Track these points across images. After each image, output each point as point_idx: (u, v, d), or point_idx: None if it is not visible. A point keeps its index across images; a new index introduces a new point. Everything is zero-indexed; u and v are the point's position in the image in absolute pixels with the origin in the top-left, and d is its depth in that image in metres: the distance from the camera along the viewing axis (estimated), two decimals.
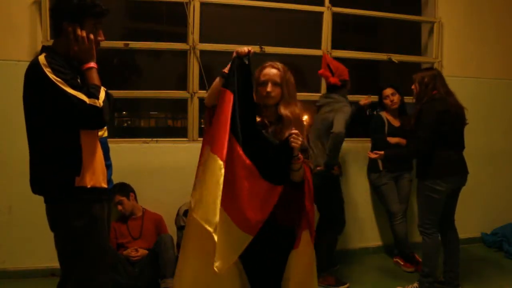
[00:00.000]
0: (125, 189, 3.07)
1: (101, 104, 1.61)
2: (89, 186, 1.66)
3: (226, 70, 1.93)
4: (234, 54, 1.92)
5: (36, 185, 1.69)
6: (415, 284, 2.89)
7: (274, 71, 1.97)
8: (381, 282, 3.20)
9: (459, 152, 2.84)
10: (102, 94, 1.64)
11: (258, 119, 1.97)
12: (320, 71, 3.27)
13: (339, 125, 2.89)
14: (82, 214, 1.66)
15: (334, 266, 3.37)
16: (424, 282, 2.81)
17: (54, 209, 1.68)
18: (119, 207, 3.05)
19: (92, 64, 1.70)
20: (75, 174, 1.63)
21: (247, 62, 1.90)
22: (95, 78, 1.69)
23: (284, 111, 1.94)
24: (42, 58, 1.59)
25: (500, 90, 4.12)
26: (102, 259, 1.74)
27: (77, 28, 1.65)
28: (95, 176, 1.69)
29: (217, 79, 1.97)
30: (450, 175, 2.76)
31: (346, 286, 3.06)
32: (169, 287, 2.82)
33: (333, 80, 3.13)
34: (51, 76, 1.55)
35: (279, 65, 2.01)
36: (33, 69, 1.60)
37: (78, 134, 1.64)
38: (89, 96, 1.59)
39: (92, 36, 1.69)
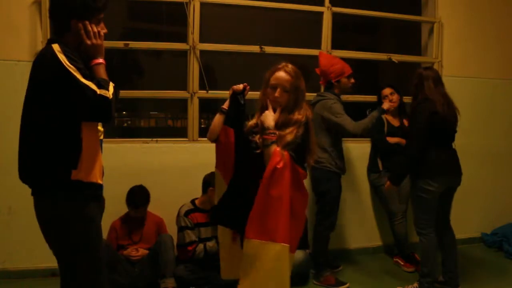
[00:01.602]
0: (147, 198, 3.06)
1: (111, 96, 1.60)
2: (85, 181, 1.63)
3: (225, 106, 2.10)
4: (231, 92, 2.07)
5: (29, 175, 1.66)
6: (415, 284, 2.89)
7: (286, 76, 1.96)
8: (381, 282, 3.20)
9: (449, 152, 2.82)
10: (111, 88, 1.64)
11: (254, 121, 2.03)
12: (317, 69, 3.29)
13: (350, 126, 2.92)
14: (76, 214, 1.63)
15: (336, 267, 3.37)
16: (423, 282, 2.81)
17: (47, 204, 1.64)
18: (140, 214, 3.04)
19: (101, 60, 1.70)
20: (72, 167, 1.60)
21: (242, 102, 2.06)
22: (102, 73, 1.68)
23: (280, 117, 1.95)
24: (56, 46, 1.58)
25: (500, 90, 4.12)
26: (98, 260, 1.71)
27: (87, 24, 1.65)
28: (92, 172, 1.66)
29: (217, 115, 2.12)
30: (440, 175, 2.74)
31: (346, 286, 3.06)
32: (168, 287, 2.82)
33: (320, 82, 3.19)
34: (66, 63, 1.54)
35: (291, 69, 1.98)
36: (46, 56, 1.58)
37: (80, 127, 1.62)
38: (99, 87, 1.58)
39: (102, 33, 1.70)
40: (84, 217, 1.65)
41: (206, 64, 3.51)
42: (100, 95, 1.57)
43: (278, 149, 1.85)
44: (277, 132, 1.89)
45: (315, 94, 3.28)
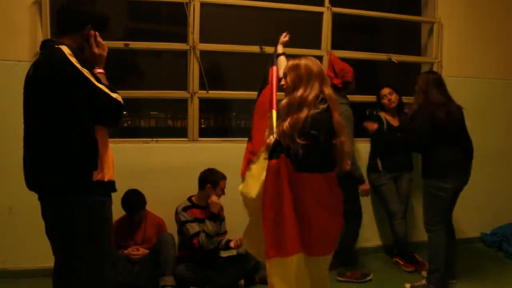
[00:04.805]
0: (144, 201, 3.07)
1: (122, 101, 1.68)
2: (106, 180, 1.69)
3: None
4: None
5: (46, 181, 1.65)
6: (423, 281, 2.93)
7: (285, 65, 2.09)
8: (381, 282, 3.20)
9: (462, 151, 2.88)
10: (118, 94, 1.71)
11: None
12: (327, 71, 3.29)
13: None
14: (94, 213, 1.67)
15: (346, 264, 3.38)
16: (431, 279, 2.85)
17: (64, 205, 1.66)
18: (137, 218, 3.06)
19: (102, 70, 1.76)
20: (93, 168, 1.64)
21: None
22: (104, 82, 1.73)
23: (281, 103, 2.01)
24: (66, 49, 1.60)
25: (500, 90, 4.12)
26: (107, 257, 1.77)
27: (98, 34, 1.74)
28: (110, 170, 1.73)
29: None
30: (456, 173, 2.81)
31: (370, 276, 3.18)
32: (168, 285, 2.82)
33: (335, 81, 3.16)
34: (79, 66, 1.57)
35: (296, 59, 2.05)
36: (56, 59, 1.59)
37: (93, 128, 1.66)
38: (112, 91, 1.64)
39: (105, 46, 1.78)
40: (100, 217, 1.70)
41: (206, 64, 3.51)
42: (114, 99, 1.63)
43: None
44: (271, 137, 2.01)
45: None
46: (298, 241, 1.89)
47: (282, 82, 2.05)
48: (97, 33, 1.74)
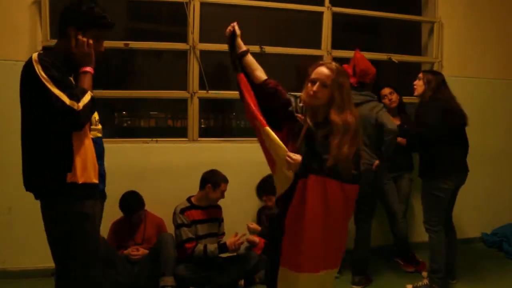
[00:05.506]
0: (142, 202, 3.06)
1: (80, 107, 1.62)
2: (80, 182, 1.67)
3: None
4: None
5: (30, 182, 1.71)
6: (425, 281, 2.93)
7: (326, 71, 1.87)
8: (381, 282, 3.20)
9: (462, 151, 2.90)
10: (86, 98, 1.65)
11: (299, 116, 1.96)
12: (344, 65, 3.27)
13: (390, 122, 2.99)
14: (73, 212, 1.68)
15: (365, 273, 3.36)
16: (434, 278, 2.85)
17: (47, 206, 1.70)
18: (135, 219, 3.06)
19: (88, 69, 1.73)
20: (66, 170, 1.65)
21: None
22: (85, 82, 1.71)
23: (334, 117, 1.82)
24: (35, 55, 1.64)
25: (500, 90, 4.13)
26: (93, 257, 1.76)
27: (78, 33, 1.69)
28: (86, 172, 1.70)
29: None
30: (456, 173, 2.83)
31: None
32: (168, 285, 2.82)
33: (352, 79, 3.12)
34: (39, 72, 1.59)
35: (334, 66, 1.91)
36: (26, 65, 1.65)
37: (69, 131, 1.67)
38: (70, 98, 1.61)
39: (91, 42, 1.72)
40: (79, 214, 1.69)
41: (206, 64, 3.50)
42: (68, 106, 1.59)
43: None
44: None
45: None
46: (316, 260, 1.89)
47: (315, 89, 1.84)
48: (78, 32, 1.69)
